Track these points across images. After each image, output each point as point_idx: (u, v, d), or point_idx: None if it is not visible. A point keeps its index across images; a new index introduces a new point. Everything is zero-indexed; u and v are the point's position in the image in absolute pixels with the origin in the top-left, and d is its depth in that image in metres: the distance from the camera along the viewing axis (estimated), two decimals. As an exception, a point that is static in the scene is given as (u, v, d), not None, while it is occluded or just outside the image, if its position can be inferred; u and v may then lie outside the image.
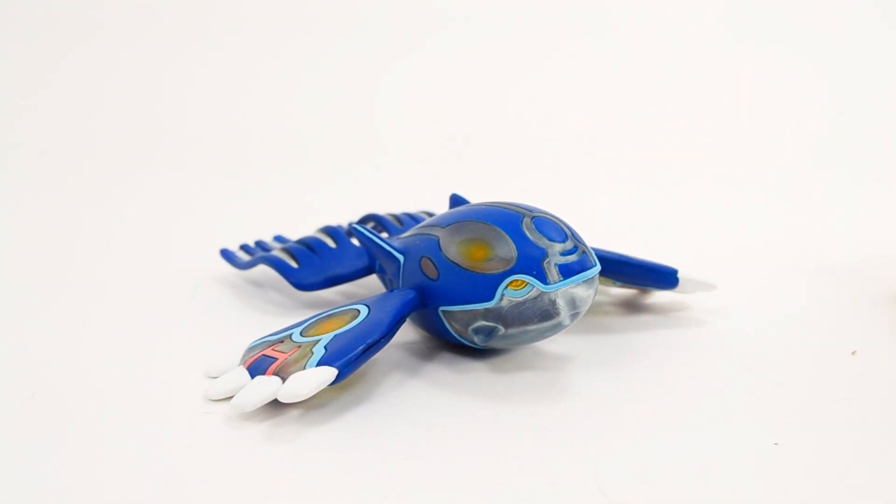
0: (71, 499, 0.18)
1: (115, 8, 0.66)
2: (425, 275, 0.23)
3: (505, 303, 0.22)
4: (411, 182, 0.51)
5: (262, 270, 0.33)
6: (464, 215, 0.23)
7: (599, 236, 0.28)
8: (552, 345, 0.25)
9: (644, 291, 0.29)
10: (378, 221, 0.32)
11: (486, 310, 0.22)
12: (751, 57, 0.59)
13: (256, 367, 0.22)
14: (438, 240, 0.23)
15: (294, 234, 0.34)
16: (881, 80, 0.56)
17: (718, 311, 0.28)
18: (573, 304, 0.22)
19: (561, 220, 0.23)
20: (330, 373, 0.21)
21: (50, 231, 0.41)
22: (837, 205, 0.44)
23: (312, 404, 0.21)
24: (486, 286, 0.22)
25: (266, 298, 0.30)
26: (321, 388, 0.20)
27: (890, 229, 0.39)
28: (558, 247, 0.22)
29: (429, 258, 0.23)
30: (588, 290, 0.22)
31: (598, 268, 0.22)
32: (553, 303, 0.22)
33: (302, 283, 0.28)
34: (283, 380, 0.21)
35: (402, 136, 0.58)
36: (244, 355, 0.23)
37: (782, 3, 0.61)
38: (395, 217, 0.32)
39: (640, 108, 0.57)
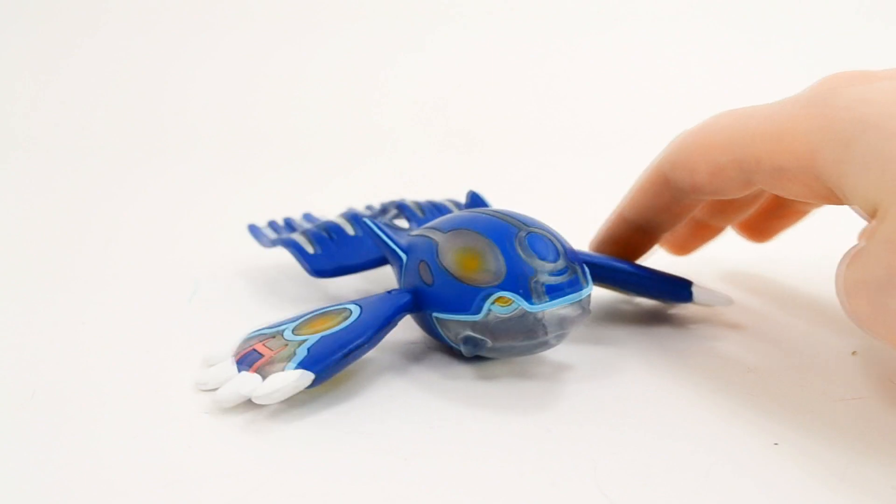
0: (71, 499, 0.18)
1: (116, 4, 0.66)
2: (422, 279, 0.23)
3: (491, 318, 0.21)
4: (423, 171, 0.51)
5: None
6: (464, 222, 0.23)
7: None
8: (552, 348, 0.25)
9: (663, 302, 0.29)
10: (401, 209, 0.31)
11: (474, 322, 0.22)
12: (755, 58, 0.59)
13: (244, 361, 0.22)
14: (437, 245, 0.23)
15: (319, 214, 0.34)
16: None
17: (718, 311, 0.28)
18: (560, 324, 0.21)
19: (557, 237, 0.22)
20: (306, 377, 0.21)
21: (49, 230, 0.41)
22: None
23: (312, 405, 0.21)
24: (474, 299, 0.22)
25: (266, 297, 0.30)
26: (296, 392, 0.21)
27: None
28: (548, 266, 0.21)
29: (426, 262, 0.23)
30: (576, 310, 0.22)
31: (590, 289, 0.22)
32: (539, 322, 0.21)
33: (315, 269, 0.28)
34: (264, 378, 0.21)
35: (410, 126, 0.58)
36: (240, 345, 0.23)
37: (782, 3, 0.61)
38: (419, 205, 0.31)
39: (661, 104, 0.57)
